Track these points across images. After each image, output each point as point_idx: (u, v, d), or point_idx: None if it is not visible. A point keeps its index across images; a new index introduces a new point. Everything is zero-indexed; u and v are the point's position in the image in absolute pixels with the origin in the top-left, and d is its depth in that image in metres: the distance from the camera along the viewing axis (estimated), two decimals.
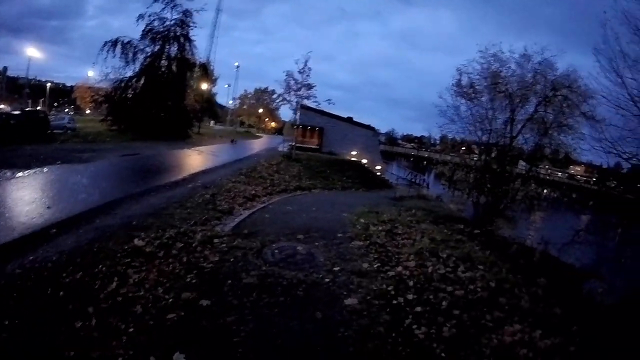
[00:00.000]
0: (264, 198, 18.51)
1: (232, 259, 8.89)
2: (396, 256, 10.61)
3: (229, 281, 7.62)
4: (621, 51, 13.68)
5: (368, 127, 58.60)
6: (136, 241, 9.01)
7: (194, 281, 7.40)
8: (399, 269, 9.45)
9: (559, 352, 6.15)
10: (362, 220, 14.70)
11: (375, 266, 9.60)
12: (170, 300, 6.50)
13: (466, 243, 13.63)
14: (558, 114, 20.18)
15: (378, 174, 46.55)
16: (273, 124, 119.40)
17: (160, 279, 7.24)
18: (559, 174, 55.57)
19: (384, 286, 8.23)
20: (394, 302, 7.50)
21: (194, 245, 9.40)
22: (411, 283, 8.53)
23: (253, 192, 18.49)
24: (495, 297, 8.19)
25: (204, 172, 21.20)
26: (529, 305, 7.99)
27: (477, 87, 21.69)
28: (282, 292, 7.38)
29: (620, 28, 13.89)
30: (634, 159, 14.05)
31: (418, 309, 7.22)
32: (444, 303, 7.53)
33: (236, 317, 6.23)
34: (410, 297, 7.74)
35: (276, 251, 9.90)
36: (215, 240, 10.03)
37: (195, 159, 27.93)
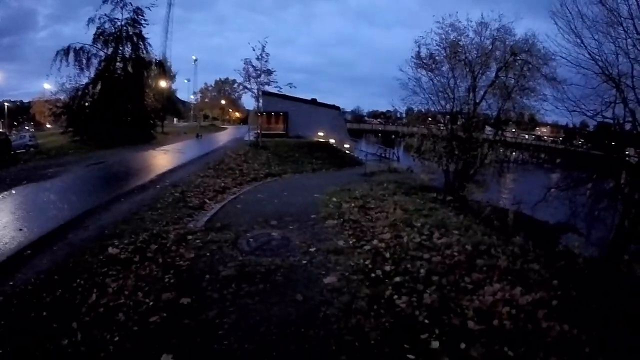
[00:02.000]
0: (234, 189, 18.39)
1: (207, 254, 8.86)
2: (371, 230, 10.75)
3: (207, 276, 7.60)
4: (579, 12, 13.97)
5: (333, 107, 58.43)
6: (110, 250, 8.85)
7: (172, 281, 7.35)
8: (375, 242, 9.57)
9: (541, 307, 6.28)
10: (334, 199, 14.83)
11: (350, 242, 9.73)
12: (151, 303, 6.44)
13: (439, 210, 13.83)
14: (519, 78, 20.45)
15: (347, 152, 46.67)
16: (237, 114, 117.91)
17: (139, 284, 7.16)
18: (526, 136, 56.55)
19: (361, 261, 8.34)
20: (373, 275, 7.60)
21: (168, 245, 9.30)
22: (388, 255, 8.64)
23: (223, 184, 18.36)
24: (472, 260, 8.34)
25: (171, 171, 20.88)
26: (506, 264, 8.15)
27: (436, 57, 21.82)
28: (260, 280, 7.40)
29: None
30: (599, 116, 14.33)
31: (397, 279, 7.32)
32: (422, 271, 7.64)
33: (218, 310, 6.22)
34: (388, 268, 7.85)
35: (251, 240, 9.92)
36: (189, 237, 9.96)
37: (161, 159, 27.49)
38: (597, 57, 13.73)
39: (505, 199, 25.06)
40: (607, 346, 5.52)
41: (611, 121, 14.33)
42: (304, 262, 8.43)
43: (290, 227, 11.12)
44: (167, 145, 37.70)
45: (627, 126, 14.13)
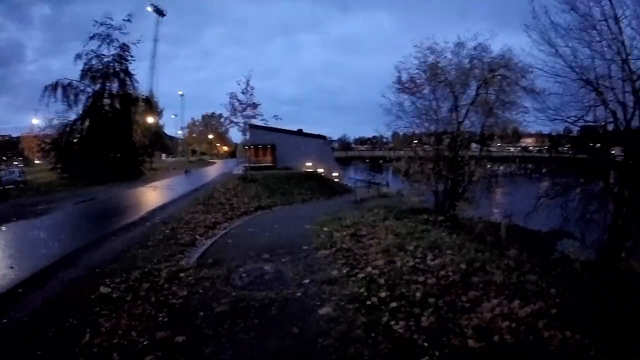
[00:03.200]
0: (225, 224, 18.23)
1: (201, 290, 8.74)
2: (364, 258, 10.66)
3: (201, 313, 7.46)
4: (552, 22, 14.26)
5: (319, 137, 59.02)
6: (102, 289, 8.69)
7: (166, 319, 7.19)
8: (369, 269, 9.47)
9: (540, 317, 6.23)
10: (325, 229, 14.77)
11: (344, 271, 9.61)
12: (145, 342, 6.29)
13: (432, 231, 13.80)
14: (499, 93, 20.77)
15: (336, 180, 46.89)
16: (225, 148, 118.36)
17: (132, 323, 6.99)
18: (512, 149, 57.24)
19: (356, 289, 8.24)
20: (368, 302, 7.48)
21: (160, 283, 9.14)
22: (382, 281, 8.54)
23: (213, 220, 18.17)
24: (467, 278, 8.30)
25: (161, 208, 20.77)
26: (502, 278, 8.11)
27: (417, 80, 22.14)
28: (255, 314, 7.30)
29: (549, 0, 14.48)
30: (581, 121, 14.53)
31: (393, 304, 7.21)
32: (417, 294, 7.56)
33: (213, 347, 6.10)
34: (383, 294, 7.75)
35: (244, 275, 9.79)
36: (182, 275, 9.82)
37: (151, 196, 27.38)
38: (573, 63, 14.01)
39: (496, 213, 25.18)
40: (612, 347, 5.47)
41: (593, 124, 14.52)
42: (299, 294, 8.35)
43: (283, 260, 11.04)
44: (156, 182, 37.61)
45: (610, 127, 14.33)
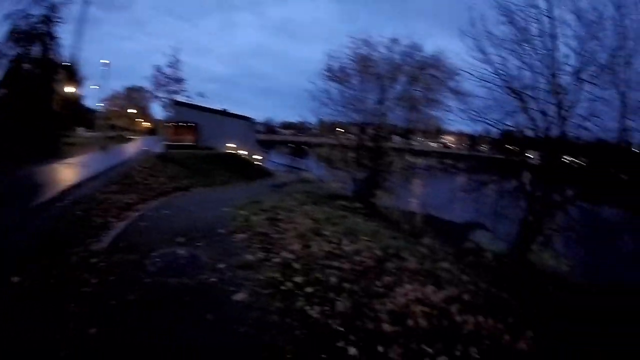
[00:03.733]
0: (140, 205, 17.40)
1: (112, 278, 8.10)
2: (280, 242, 10.52)
3: (113, 302, 6.93)
4: (487, 32, 14.78)
5: (244, 118, 57.63)
6: (12, 279, 8.09)
7: (76, 310, 6.70)
8: (284, 254, 9.35)
9: (453, 302, 6.39)
10: (243, 213, 14.43)
11: (260, 256, 9.37)
12: (57, 336, 5.89)
13: (349, 218, 13.90)
14: (426, 91, 21.32)
15: (258, 163, 46.40)
16: (147, 124, 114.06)
17: (43, 315, 6.51)
18: (433, 144, 58.91)
19: (271, 274, 8.05)
20: (283, 287, 7.34)
21: (70, 270, 8.56)
22: (298, 266, 8.46)
23: (127, 200, 17.29)
24: (382, 264, 8.36)
25: (74, 187, 19.48)
26: (416, 265, 8.25)
27: (347, 70, 22.30)
28: (169, 302, 6.96)
29: (488, 11, 15.00)
30: (501, 124, 15.20)
31: (308, 289, 7.14)
32: (332, 279, 7.53)
33: (127, 337, 5.74)
34: (298, 279, 7.65)
35: (157, 260, 9.26)
36: (93, 260, 9.17)
37: (64, 174, 25.73)
38: (500, 71, 14.73)
39: (414, 203, 25.82)
40: (524, 332, 5.63)
41: (513, 129, 15.22)
42: (213, 279, 8.04)
43: (198, 244, 10.60)
44: (72, 158, 35.37)
45: (529, 133, 15.08)
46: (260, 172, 38.43)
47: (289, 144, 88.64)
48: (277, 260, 8.96)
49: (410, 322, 5.82)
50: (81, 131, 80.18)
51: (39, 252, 9.61)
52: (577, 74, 13.44)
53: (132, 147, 51.43)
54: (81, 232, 11.64)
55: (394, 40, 21.36)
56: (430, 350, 5.18)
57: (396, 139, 24.04)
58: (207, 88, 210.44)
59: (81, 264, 8.84)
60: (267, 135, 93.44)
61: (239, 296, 7.12)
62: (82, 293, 7.36)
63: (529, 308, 6.61)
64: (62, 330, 5.90)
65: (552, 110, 14.20)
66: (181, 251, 9.93)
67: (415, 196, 29.44)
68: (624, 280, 10.61)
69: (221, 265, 8.79)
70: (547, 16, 13.79)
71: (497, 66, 14.73)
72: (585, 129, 13.66)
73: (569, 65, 13.82)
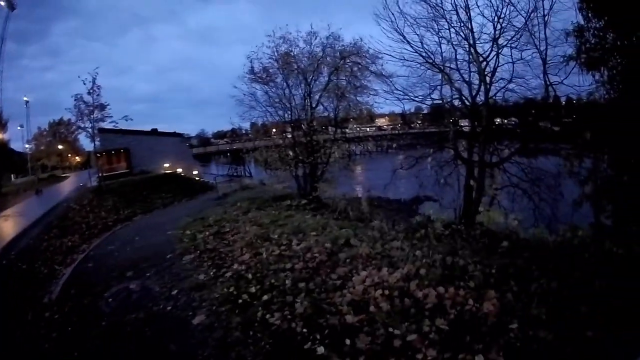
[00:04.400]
0: (83, 246, 16.87)
1: (69, 328, 7.90)
2: (229, 255, 10.43)
3: (75, 353, 6.75)
4: (401, 12, 14.93)
5: (175, 135, 56.46)
6: None
7: None
8: (235, 266, 9.29)
9: (411, 279, 6.37)
10: (188, 232, 14.25)
11: (211, 274, 9.29)
12: None
13: (295, 216, 13.88)
14: (351, 78, 21.41)
15: (197, 178, 45.63)
16: (77, 158, 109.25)
17: None
18: (367, 129, 59.70)
19: (225, 290, 7.94)
20: (240, 301, 7.23)
21: (28, 328, 8.22)
22: (250, 275, 8.38)
23: (69, 243, 16.76)
24: (334, 256, 8.33)
25: (14, 240, 18.50)
26: (368, 250, 8.21)
27: (270, 70, 22.13)
28: (129, 340, 6.79)
29: None
30: (428, 99, 15.49)
31: (265, 297, 7.05)
32: (287, 282, 7.46)
33: None
34: (253, 289, 7.56)
35: (110, 300, 9.06)
36: (47, 314, 8.85)
37: (2, 228, 24.64)
38: (419, 49, 14.90)
39: (358, 189, 26.04)
40: (487, 294, 5.67)
41: (440, 102, 15.49)
42: (169, 307, 7.92)
43: (148, 274, 10.41)
44: (7, 210, 33.77)
45: (456, 102, 15.41)
46: (200, 187, 37.65)
47: (226, 153, 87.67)
48: (229, 274, 8.87)
49: (372, 308, 5.76)
50: (12, 178, 76.05)
51: None
52: (495, 40, 13.80)
53: (66, 185, 49.54)
54: (30, 286, 11.30)
55: (313, 34, 21.28)
56: (397, 331, 5.13)
57: (331, 130, 24.05)
58: (135, 109, 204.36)
59: (36, 320, 8.64)
60: (202, 148, 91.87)
61: (198, 319, 7.00)
62: (43, 351, 7.21)
63: (487, 269, 6.64)
64: None
65: (475, 78, 14.61)
66: (132, 285, 9.73)
67: (359, 182, 29.75)
68: (571, 221, 10.94)
69: (174, 292, 8.67)
70: None
71: (416, 44, 14.89)
72: (511, 90, 14.04)
73: (485, 33, 14.19)
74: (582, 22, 12.47)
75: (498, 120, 16.27)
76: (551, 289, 5.75)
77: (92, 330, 7.48)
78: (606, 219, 11.04)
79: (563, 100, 14.06)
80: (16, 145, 78.28)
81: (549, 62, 12.79)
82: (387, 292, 6.10)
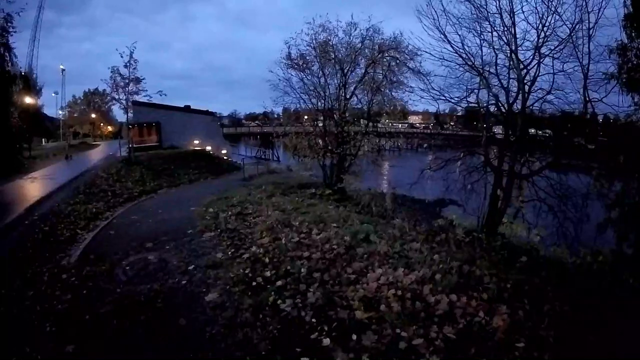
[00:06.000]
0: (107, 213, 17.08)
1: (85, 292, 8.04)
2: (249, 237, 10.49)
3: (87, 316, 6.85)
4: (444, 11, 14.73)
5: (207, 113, 56.69)
6: None
7: (53, 329, 6.55)
8: (253, 249, 9.31)
9: (425, 283, 6.36)
10: (211, 210, 14.36)
11: (229, 253, 9.38)
12: (39, 356, 5.73)
13: (318, 205, 13.86)
14: (387, 73, 21.25)
15: (225, 158, 45.88)
16: (109, 128, 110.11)
17: (19, 337, 6.33)
18: (399, 125, 59.26)
19: (241, 271, 7.99)
20: (254, 283, 7.29)
21: (43, 289, 8.31)
22: (267, 260, 8.43)
23: (94, 210, 16.95)
24: (352, 250, 8.32)
25: (39, 202, 18.86)
26: (386, 248, 8.18)
27: (307, 57, 22.10)
28: (140, 310, 6.87)
29: None
30: (464, 102, 15.27)
31: (279, 283, 7.09)
32: (302, 270, 7.48)
33: (102, 352, 5.75)
34: (268, 274, 7.60)
35: (127, 268, 9.21)
36: (64, 276, 8.97)
37: (29, 189, 24.87)
38: (460, 50, 14.64)
39: (384, 184, 25.93)
40: (499, 308, 5.63)
41: (475, 105, 15.28)
42: (184, 282, 8.02)
43: (167, 247, 10.55)
44: (35, 172, 34.27)
45: (492, 108, 15.17)
46: (227, 167, 38.01)
47: (256, 136, 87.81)
48: (246, 255, 8.91)
49: (383, 307, 5.78)
50: (43, 142, 77.30)
51: (9, 274, 9.33)
52: (537, 49, 13.54)
53: (96, 154, 50.12)
54: (50, 249, 11.40)
55: (353, 24, 21.18)
56: (404, 334, 5.14)
57: (363, 122, 23.95)
58: (168, 85, 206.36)
59: (52, 282, 8.70)
60: (233, 129, 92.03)
61: (210, 297, 7.07)
62: (57, 311, 7.27)
63: (502, 282, 6.59)
64: (40, 351, 5.92)
65: (514, 85, 14.36)
66: (151, 257, 9.84)
67: (385, 177, 29.60)
68: (593, 244, 10.77)
69: (191, 267, 8.76)
70: None
71: (456, 44, 14.68)
72: (549, 102, 13.78)
73: (528, 40, 13.93)
74: (625, 40, 12.19)
75: (532, 130, 16.01)
76: (563, 312, 5.68)
77: (106, 297, 7.61)
78: (628, 248, 10.81)
79: (600, 118, 13.79)
80: (50, 111, 79.64)
81: (590, 77, 12.43)
82: (399, 292, 6.09)
